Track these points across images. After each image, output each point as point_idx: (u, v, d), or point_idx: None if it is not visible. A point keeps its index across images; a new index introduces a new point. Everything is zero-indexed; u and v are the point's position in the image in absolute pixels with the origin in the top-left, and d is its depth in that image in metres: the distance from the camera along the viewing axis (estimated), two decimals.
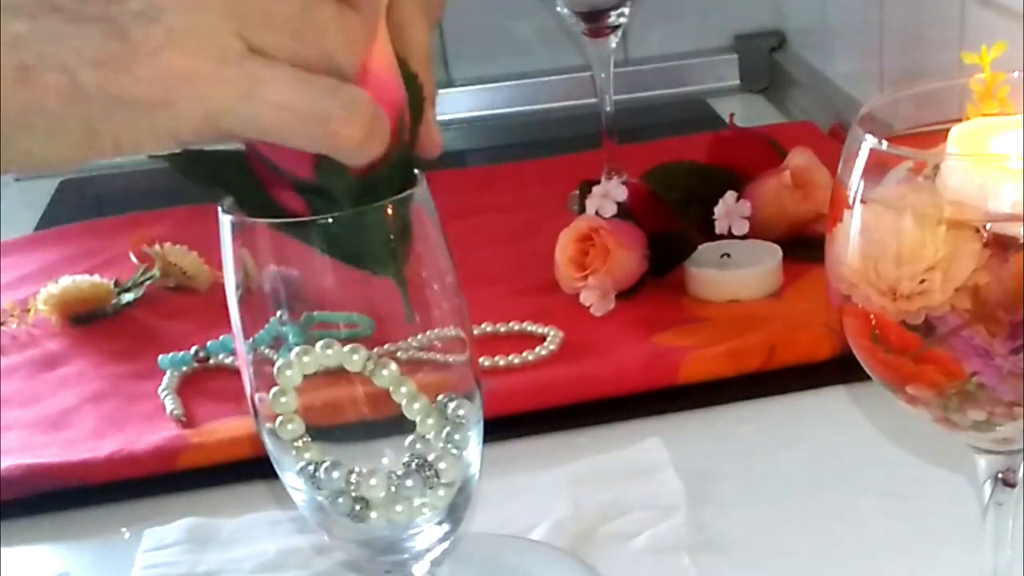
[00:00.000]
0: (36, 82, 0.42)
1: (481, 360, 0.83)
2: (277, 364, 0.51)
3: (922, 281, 0.46)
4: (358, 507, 0.52)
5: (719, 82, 1.49)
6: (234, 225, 0.50)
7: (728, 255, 0.93)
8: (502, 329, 0.90)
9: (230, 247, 0.51)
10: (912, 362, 0.48)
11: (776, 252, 0.93)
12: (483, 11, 1.44)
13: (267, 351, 0.51)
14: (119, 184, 1.29)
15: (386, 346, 0.52)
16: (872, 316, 0.48)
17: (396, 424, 0.52)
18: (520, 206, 1.13)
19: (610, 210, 0.93)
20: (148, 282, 1.02)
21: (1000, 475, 0.53)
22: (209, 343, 0.90)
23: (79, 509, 0.78)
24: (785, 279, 0.92)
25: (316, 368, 0.51)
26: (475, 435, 0.54)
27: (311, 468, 0.52)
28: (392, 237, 0.50)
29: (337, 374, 0.51)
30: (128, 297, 1.01)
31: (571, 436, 0.80)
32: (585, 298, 0.91)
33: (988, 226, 0.45)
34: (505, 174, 1.23)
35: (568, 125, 1.41)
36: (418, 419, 0.52)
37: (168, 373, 0.88)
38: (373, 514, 0.52)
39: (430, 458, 0.52)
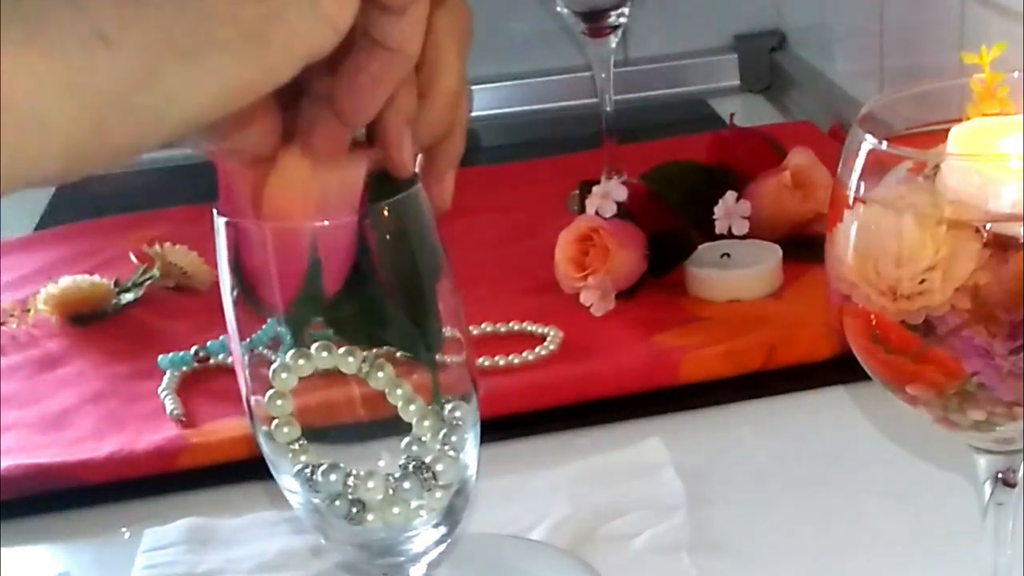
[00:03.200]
0: None
1: (481, 360, 0.83)
2: (272, 367, 0.51)
3: (922, 281, 0.46)
4: (355, 510, 0.52)
5: (719, 82, 1.49)
6: (229, 226, 0.50)
7: (728, 255, 0.93)
8: (502, 329, 0.90)
9: (225, 248, 0.51)
10: (912, 362, 0.48)
11: (776, 252, 0.93)
12: (483, 11, 1.43)
13: (265, 351, 0.51)
14: (119, 184, 1.29)
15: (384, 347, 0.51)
16: (872, 316, 0.48)
17: (392, 426, 0.52)
18: (520, 206, 1.13)
19: (610, 210, 0.93)
20: (148, 282, 1.02)
21: (1000, 475, 0.53)
22: (209, 343, 0.90)
23: (79, 509, 0.78)
24: (785, 279, 0.92)
25: (312, 371, 0.51)
26: (472, 437, 0.54)
27: (308, 471, 0.52)
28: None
29: (333, 376, 0.51)
30: (128, 297, 1.01)
31: (571, 436, 0.80)
32: (585, 298, 0.91)
33: (988, 226, 0.45)
34: (505, 174, 1.23)
35: (568, 125, 1.41)
36: (414, 421, 0.52)
37: (168, 373, 0.88)
38: (370, 516, 0.52)
39: (427, 460, 0.52)
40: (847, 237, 0.49)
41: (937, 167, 0.47)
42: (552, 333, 0.88)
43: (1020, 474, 0.53)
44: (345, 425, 0.53)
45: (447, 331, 0.53)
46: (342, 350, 0.50)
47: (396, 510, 0.52)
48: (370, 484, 0.51)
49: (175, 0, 0.38)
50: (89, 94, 0.37)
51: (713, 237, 0.95)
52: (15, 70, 0.35)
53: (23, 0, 0.36)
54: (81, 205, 1.26)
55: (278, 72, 0.40)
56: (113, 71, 0.37)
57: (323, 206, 0.49)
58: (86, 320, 0.98)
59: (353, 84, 0.46)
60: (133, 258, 1.05)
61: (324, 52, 0.41)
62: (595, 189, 0.95)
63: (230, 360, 0.88)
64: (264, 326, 0.51)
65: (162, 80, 0.38)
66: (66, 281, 0.99)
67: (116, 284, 1.01)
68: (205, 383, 0.88)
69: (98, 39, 0.37)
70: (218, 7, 0.39)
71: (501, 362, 0.85)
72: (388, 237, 0.50)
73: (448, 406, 0.53)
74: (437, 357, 0.53)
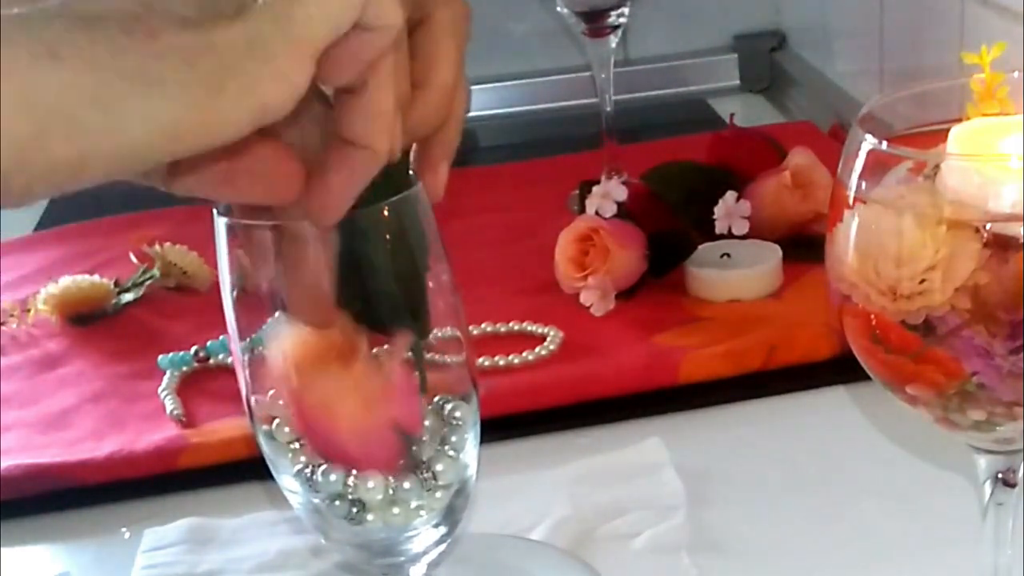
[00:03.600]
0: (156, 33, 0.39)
1: (481, 360, 0.83)
2: None
3: (922, 281, 0.46)
4: (355, 509, 0.52)
5: (719, 82, 1.49)
6: (229, 227, 0.50)
7: (728, 255, 0.93)
8: (502, 329, 0.90)
9: (225, 248, 0.51)
10: (912, 362, 0.48)
11: (776, 252, 0.93)
12: (483, 11, 1.44)
13: (265, 351, 0.51)
14: (119, 184, 1.28)
15: (384, 347, 0.51)
16: (872, 316, 0.48)
17: None
18: (520, 206, 1.13)
19: (610, 210, 0.93)
20: (148, 282, 1.02)
21: (1000, 475, 0.53)
22: (209, 343, 0.90)
23: (79, 509, 0.78)
24: (785, 279, 0.92)
25: None
26: (472, 437, 0.54)
27: (308, 471, 0.52)
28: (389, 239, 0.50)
29: None
30: (128, 297, 1.01)
31: (571, 436, 0.80)
32: (585, 298, 0.91)
33: (988, 226, 0.45)
34: (505, 174, 1.23)
35: (568, 125, 1.41)
36: None
37: (168, 373, 0.88)
38: (370, 516, 0.52)
39: (427, 460, 0.52)
40: (847, 237, 0.48)
41: (937, 167, 0.47)
42: (552, 333, 0.88)
43: (1020, 474, 0.53)
44: None
45: (447, 331, 0.53)
46: None
47: (396, 510, 0.52)
48: (370, 484, 0.51)
49: (128, 35, 0.38)
50: (36, 105, 0.37)
51: (713, 237, 0.95)
52: None
53: None
54: (81, 205, 1.25)
55: (230, 122, 0.40)
56: (61, 85, 0.37)
57: (368, 407, 0.50)
58: (86, 320, 0.98)
59: (322, 183, 0.46)
60: (133, 258, 1.05)
61: (280, 110, 0.41)
62: (595, 189, 0.95)
63: (230, 360, 0.88)
64: (264, 326, 0.51)
65: (111, 101, 0.38)
66: (66, 281, 0.99)
67: (116, 284, 1.01)
68: (205, 383, 0.88)
69: (48, 55, 0.37)
70: (173, 48, 0.39)
71: (501, 362, 0.85)
72: (388, 237, 0.50)
73: (448, 406, 0.53)
74: (436, 356, 0.53)
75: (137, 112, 0.38)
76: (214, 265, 0.52)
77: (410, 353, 0.52)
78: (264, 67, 0.40)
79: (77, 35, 0.38)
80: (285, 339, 0.50)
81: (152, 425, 0.83)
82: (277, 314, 0.50)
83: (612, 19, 1.06)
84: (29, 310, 0.99)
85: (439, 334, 0.53)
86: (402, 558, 0.55)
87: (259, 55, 0.40)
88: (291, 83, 0.41)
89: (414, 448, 0.52)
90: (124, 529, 0.76)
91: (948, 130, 0.48)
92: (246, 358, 0.52)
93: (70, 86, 0.37)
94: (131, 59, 0.38)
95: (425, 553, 0.55)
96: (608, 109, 1.09)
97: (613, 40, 1.07)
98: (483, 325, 0.89)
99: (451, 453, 0.52)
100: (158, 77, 0.39)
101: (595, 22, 1.06)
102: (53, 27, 0.38)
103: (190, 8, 0.40)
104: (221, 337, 0.88)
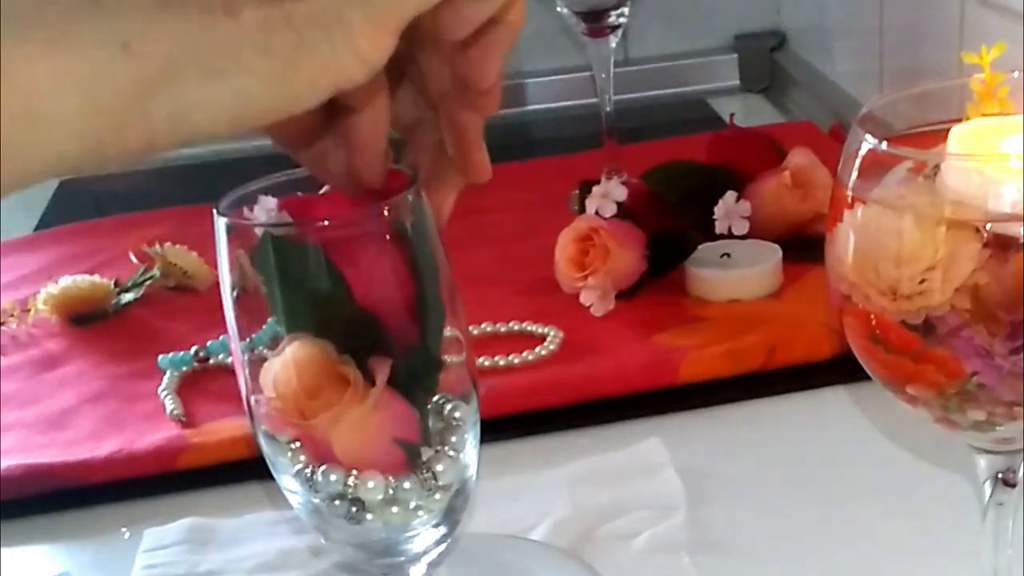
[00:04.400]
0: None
1: (481, 360, 0.83)
2: None
3: (922, 281, 0.46)
4: (355, 509, 0.52)
5: (719, 82, 1.49)
6: (229, 227, 0.50)
7: (728, 255, 0.93)
8: (502, 329, 0.90)
9: (225, 248, 0.51)
10: (912, 362, 0.48)
11: (776, 252, 0.93)
12: None
13: (265, 351, 0.51)
14: (119, 184, 1.29)
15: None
16: (872, 316, 0.48)
17: None
18: (520, 206, 1.12)
19: (610, 210, 0.93)
20: (148, 282, 1.02)
21: (1000, 475, 0.53)
22: (209, 343, 0.90)
23: (79, 509, 0.78)
24: (785, 279, 0.92)
25: None
26: (472, 437, 0.54)
27: (308, 471, 0.52)
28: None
29: None
30: (128, 297, 1.01)
31: (571, 436, 0.80)
32: (585, 298, 0.91)
33: (988, 226, 0.45)
34: (505, 174, 1.22)
35: (568, 125, 1.41)
36: None
37: (168, 373, 0.88)
38: (369, 516, 0.52)
39: (426, 460, 0.52)
40: (847, 237, 0.48)
41: (937, 167, 0.47)
42: (552, 333, 0.88)
43: (1020, 474, 0.53)
44: None
45: (447, 331, 0.53)
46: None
47: (395, 510, 0.52)
48: (370, 484, 0.51)
49: (207, 17, 0.38)
50: (105, 98, 0.37)
51: (713, 237, 0.95)
52: (34, 72, 0.36)
53: (52, 4, 0.37)
54: (81, 205, 1.26)
55: (300, 100, 0.40)
56: (130, 78, 0.38)
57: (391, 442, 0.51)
58: (86, 320, 0.98)
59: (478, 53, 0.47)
60: (133, 258, 1.05)
61: (353, 85, 0.41)
62: (595, 189, 0.95)
63: (230, 360, 0.88)
64: (264, 326, 0.51)
65: (179, 91, 0.38)
66: (66, 281, 0.99)
67: (116, 284, 1.01)
68: (205, 383, 0.88)
69: (120, 48, 0.37)
70: (250, 30, 0.39)
71: (501, 362, 0.85)
72: (388, 237, 0.50)
73: (448, 406, 0.53)
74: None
75: (207, 99, 0.39)
76: (214, 265, 0.52)
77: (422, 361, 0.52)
78: (340, 46, 0.40)
79: (151, 23, 0.38)
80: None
81: (152, 425, 0.83)
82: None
83: (612, 19, 1.06)
84: (29, 310, 0.99)
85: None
86: (402, 558, 0.55)
87: (336, 32, 0.40)
88: (367, 62, 0.41)
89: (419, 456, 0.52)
90: (124, 529, 0.76)
91: (948, 130, 0.48)
92: (246, 358, 0.52)
93: (141, 78, 0.37)
94: (204, 46, 0.38)
95: (425, 553, 0.55)
96: (608, 109, 1.09)
97: (613, 40, 1.07)
98: (483, 325, 0.89)
99: (451, 453, 0.52)
100: (232, 62, 0.39)
101: (595, 22, 1.06)
102: (125, 14, 0.38)
103: None
104: (221, 337, 0.88)
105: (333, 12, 0.39)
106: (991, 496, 0.54)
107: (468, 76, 0.48)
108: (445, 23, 0.45)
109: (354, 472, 0.51)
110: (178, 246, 1.03)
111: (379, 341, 0.50)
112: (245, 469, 0.75)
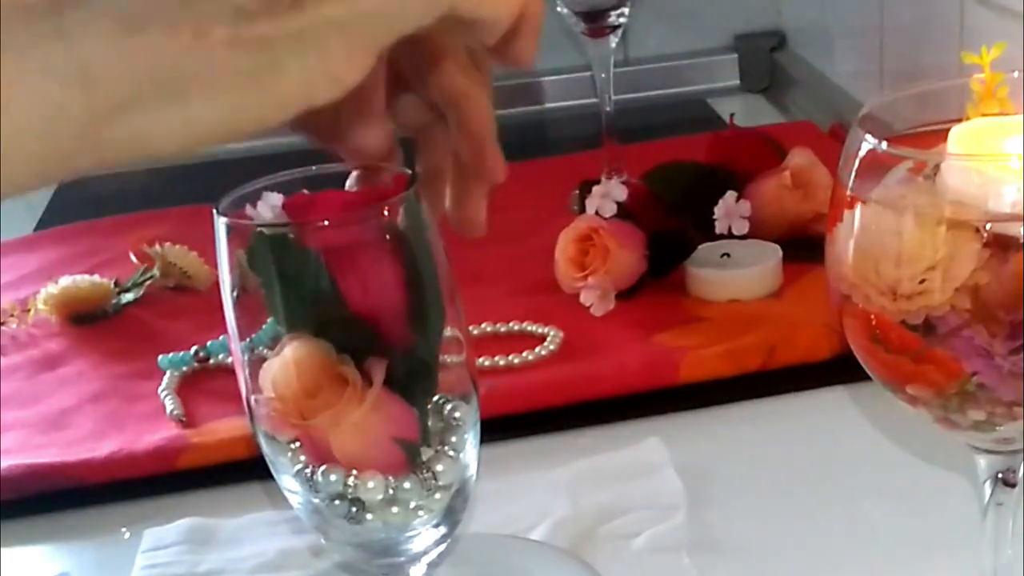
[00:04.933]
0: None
1: (481, 360, 0.83)
2: None
3: (922, 281, 0.46)
4: (354, 509, 0.52)
5: (719, 82, 1.49)
6: (229, 227, 0.50)
7: (728, 255, 0.93)
8: (502, 329, 0.90)
9: (225, 248, 0.51)
10: (912, 362, 0.48)
11: (776, 252, 0.93)
12: None
13: (265, 351, 0.51)
14: (119, 184, 1.29)
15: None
16: (872, 316, 0.48)
17: None
18: (520, 206, 1.12)
19: (610, 210, 0.93)
20: (148, 282, 1.02)
21: (1000, 475, 0.53)
22: (209, 343, 0.90)
23: (79, 509, 0.78)
24: (785, 279, 0.92)
25: None
26: (472, 437, 0.54)
27: (308, 471, 0.52)
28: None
29: None
30: (128, 297, 1.01)
31: (571, 436, 0.80)
32: (585, 298, 0.91)
33: (988, 226, 0.45)
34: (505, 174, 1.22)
35: (568, 125, 1.41)
36: None
37: (168, 373, 0.88)
38: (369, 516, 0.52)
39: (426, 460, 0.52)
40: (847, 237, 0.48)
41: (937, 167, 0.47)
42: (552, 333, 0.88)
43: (1020, 474, 0.53)
44: None
45: (447, 331, 0.53)
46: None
47: (395, 510, 0.52)
48: (370, 484, 0.51)
49: (173, 41, 0.38)
50: (59, 130, 0.37)
51: (713, 237, 0.95)
52: None
53: (20, 28, 0.37)
54: (81, 205, 1.26)
55: (268, 118, 0.40)
56: (84, 107, 0.37)
57: (390, 442, 0.51)
58: (86, 320, 0.98)
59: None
60: (133, 258, 1.05)
61: (324, 103, 0.40)
62: (595, 189, 0.95)
63: (230, 360, 0.88)
64: (264, 326, 0.51)
65: (138, 117, 0.38)
66: (66, 281, 0.99)
67: (116, 284, 1.01)
68: (205, 383, 0.88)
69: (77, 81, 0.37)
70: (218, 50, 0.38)
71: (501, 362, 0.85)
72: (386, 237, 0.50)
73: (448, 406, 0.53)
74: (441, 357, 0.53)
75: (169, 122, 0.38)
76: (214, 265, 0.52)
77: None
78: (316, 66, 0.39)
79: (112, 49, 0.37)
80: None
81: (152, 425, 0.83)
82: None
83: (612, 19, 1.06)
84: (29, 310, 0.99)
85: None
86: (402, 558, 0.55)
87: (312, 52, 0.39)
88: (341, 82, 0.40)
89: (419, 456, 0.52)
90: (124, 529, 0.76)
91: (948, 130, 0.48)
92: (246, 358, 0.52)
93: (96, 109, 0.37)
94: (168, 69, 0.38)
95: (425, 553, 0.55)
96: (608, 109, 1.09)
97: (613, 40, 1.07)
98: (483, 325, 0.89)
99: (451, 453, 0.52)
100: (197, 84, 0.38)
101: (595, 22, 1.06)
102: (87, 40, 0.37)
103: None
104: (221, 337, 0.88)
105: (310, 34, 0.39)
106: (991, 496, 0.54)
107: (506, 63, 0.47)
108: (437, 46, 0.45)
109: (354, 472, 0.51)
110: (178, 246, 1.03)
111: (377, 342, 0.50)
112: (245, 469, 0.75)
